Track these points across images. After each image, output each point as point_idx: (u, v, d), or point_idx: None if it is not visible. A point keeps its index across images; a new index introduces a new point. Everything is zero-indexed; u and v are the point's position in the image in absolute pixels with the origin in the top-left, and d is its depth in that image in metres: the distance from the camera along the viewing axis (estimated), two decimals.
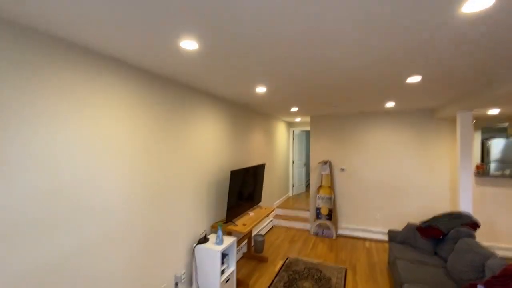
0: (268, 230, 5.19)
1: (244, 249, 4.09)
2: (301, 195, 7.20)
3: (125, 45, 1.65)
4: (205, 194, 3.05)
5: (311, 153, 5.29)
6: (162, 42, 1.60)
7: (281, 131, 6.26)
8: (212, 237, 2.87)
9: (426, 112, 4.44)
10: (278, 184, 6.10)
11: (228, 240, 2.81)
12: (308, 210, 5.49)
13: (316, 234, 4.95)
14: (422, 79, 2.39)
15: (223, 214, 3.49)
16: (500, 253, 3.97)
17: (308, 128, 6.93)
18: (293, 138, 7.08)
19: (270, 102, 3.75)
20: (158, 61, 1.96)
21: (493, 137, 6.05)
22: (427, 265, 2.90)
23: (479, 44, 1.60)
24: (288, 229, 5.30)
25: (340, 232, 4.97)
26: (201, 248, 2.67)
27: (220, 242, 2.70)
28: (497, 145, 5.78)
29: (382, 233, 4.68)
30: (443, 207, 4.32)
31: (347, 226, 4.95)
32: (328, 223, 4.85)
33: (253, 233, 4.52)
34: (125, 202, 2.00)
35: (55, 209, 1.53)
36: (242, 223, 3.18)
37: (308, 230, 5.18)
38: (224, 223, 3.10)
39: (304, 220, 5.34)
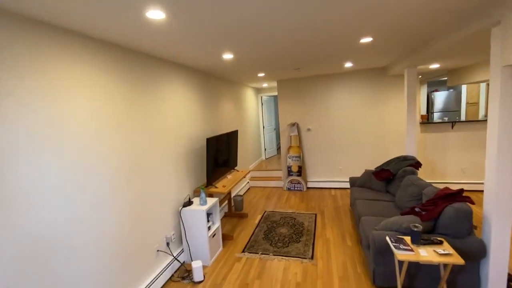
0: (246, 191, 5.58)
1: (226, 209, 4.44)
2: (273, 158, 7.64)
3: (91, 19, 1.62)
4: (184, 162, 3.20)
5: (279, 117, 5.57)
6: (129, 13, 1.60)
7: (250, 98, 6.39)
8: (196, 200, 3.11)
9: (379, 71, 4.85)
10: (252, 149, 6.41)
11: (211, 201, 3.08)
12: (281, 170, 5.94)
13: (289, 189, 5.45)
14: (373, 40, 2.65)
15: (204, 179, 3.71)
16: (440, 186, 4.80)
17: (275, 94, 7.13)
18: (262, 104, 7.27)
19: (238, 69, 3.82)
20: (125, 33, 1.94)
21: (437, 90, 6.84)
22: (380, 201, 3.48)
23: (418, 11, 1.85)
24: (264, 188, 5.74)
25: (310, 185, 5.53)
26: (187, 210, 2.90)
27: (204, 203, 2.95)
28: (439, 97, 6.59)
29: (345, 181, 5.32)
30: (394, 154, 4.99)
31: (315, 179, 5.51)
32: (298, 178, 5.35)
33: (232, 194, 4.87)
34: (114, 172, 2.10)
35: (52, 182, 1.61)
36: (222, 185, 3.44)
37: (281, 187, 5.68)
38: (205, 186, 3.34)
39: (278, 178, 5.80)
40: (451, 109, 6.45)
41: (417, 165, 3.67)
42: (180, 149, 3.13)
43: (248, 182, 5.80)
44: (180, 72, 3.21)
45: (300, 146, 5.38)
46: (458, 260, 1.83)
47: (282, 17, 1.87)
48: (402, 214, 2.58)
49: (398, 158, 3.85)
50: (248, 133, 6.13)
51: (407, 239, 2.14)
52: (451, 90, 6.46)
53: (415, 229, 2.03)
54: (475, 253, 2.10)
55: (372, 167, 5.15)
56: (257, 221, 4.02)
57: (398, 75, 4.78)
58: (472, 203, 2.23)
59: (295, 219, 4.02)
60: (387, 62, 4.14)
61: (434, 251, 1.96)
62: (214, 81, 4.25)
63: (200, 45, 2.43)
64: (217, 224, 3.18)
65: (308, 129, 5.41)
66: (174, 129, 3.03)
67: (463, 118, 6.27)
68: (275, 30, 2.13)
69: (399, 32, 2.44)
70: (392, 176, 3.71)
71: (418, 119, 4.70)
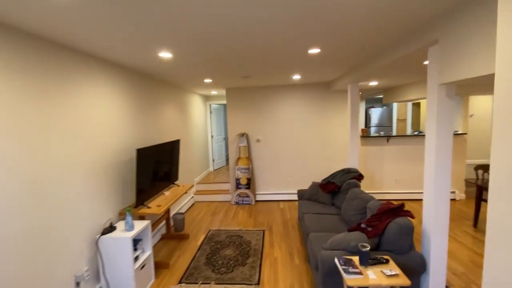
0: (190, 207, 5.07)
1: (164, 230, 3.88)
2: (222, 169, 7.27)
3: None
4: (106, 177, 2.63)
5: (228, 126, 5.29)
6: None
7: (197, 105, 5.97)
8: (120, 225, 2.56)
9: (324, 85, 5.01)
10: (198, 160, 5.94)
11: (140, 224, 2.56)
12: (229, 182, 5.61)
13: (237, 203, 5.15)
14: (321, 51, 2.60)
15: (133, 198, 3.15)
16: (377, 197, 5.09)
17: (225, 102, 6.86)
18: (211, 112, 6.90)
19: (181, 71, 3.43)
20: (34, 18, 1.42)
21: (374, 106, 7.49)
22: (327, 214, 3.42)
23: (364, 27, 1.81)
24: (210, 203, 5.32)
25: (259, 198, 5.32)
26: (107, 239, 2.34)
27: (130, 228, 2.43)
28: (375, 113, 7.18)
29: (294, 193, 5.26)
30: (340, 166, 5.15)
31: (264, 192, 5.33)
32: (247, 191, 5.10)
33: (172, 212, 4.33)
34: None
35: None
36: (156, 205, 2.94)
37: (229, 201, 5.33)
38: (134, 207, 2.80)
39: (225, 192, 5.45)
40: (385, 125, 7.10)
41: (360, 177, 3.77)
42: (101, 161, 2.56)
43: (192, 197, 5.30)
44: (108, 69, 2.68)
45: (249, 158, 5.16)
46: (404, 281, 1.76)
47: (221, 11, 1.60)
48: (349, 230, 2.51)
49: (342, 170, 3.91)
50: (194, 143, 5.67)
51: (356, 259, 2.03)
52: (385, 107, 7.14)
53: (364, 250, 1.93)
54: (417, 269, 2.09)
55: (320, 179, 5.22)
56: (199, 243, 3.58)
57: (341, 90, 5.00)
58: (413, 217, 2.26)
59: (242, 237, 3.71)
60: (333, 77, 4.26)
61: (382, 271, 1.86)
62: (153, 83, 3.75)
63: (130, 38, 2.01)
64: (148, 252, 2.67)
65: (258, 140, 5.24)
66: (95, 137, 2.47)
67: (394, 133, 6.94)
68: (217, 26, 1.86)
69: (346, 46, 2.42)
70: (338, 188, 3.73)
71: (359, 132, 4.95)
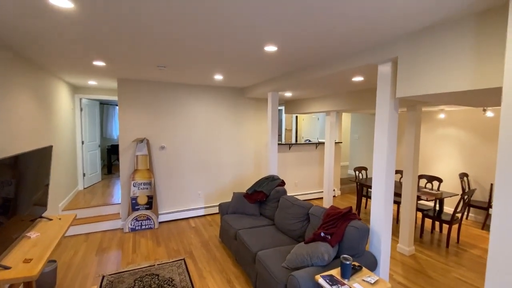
0: (54, 249, 3.38)
1: None
2: (97, 186, 5.49)
3: None
4: None
5: (120, 130, 4.02)
6: None
7: (63, 98, 4.19)
8: None
9: (238, 91, 4.85)
10: (64, 176, 4.15)
11: None
12: (116, 204, 4.26)
13: (133, 229, 3.96)
14: (277, 49, 2.39)
15: None
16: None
17: (103, 97, 5.26)
18: (81, 109, 5.09)
19: (63, 40, 2.21)
20: None
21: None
22: (261, 227, 3.19)
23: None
24: (88, 235, 3.80)
25: (162, 218, 4.35)
26: None
27: None
28: (286, 121, 7.74)
29: (204, 207, 4.68)
30: (250, 175, 5.08)
31: (169, 210, 4.42)
32: (147, 213, 4.04)
33: None
34: None
35: None
36: (21, 260, 1.67)
37: (121, 229, 4.03)
38: None
39: (112, 217, 4.08)
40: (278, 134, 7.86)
41: (283, 183, 3.82)
42: None
43: None
44: None
45: (150, 169, 4.12)
46: (385, 285, 1.80)
47: None
48: (307, 242, 2.38)
49: (267, 178, 3.83)
50: (60, 152, 3.91)
51: (335, 273, 1.90)
52: None
53: (346, 262, 1.83)
54: (370, 267, 2.23)
55: (231, 189, 4.92)
56: None
57: (255, 98, 5.00)
58: (360, 219, 2.43)
59: (158, 275, 2.81)
60: (254, 82, 4.14)
61: (364, 280, 1.83)
62: None
63: None
64: None
65: (162, 147, 4.29)
66: None
67: (283, 141, 7.79)
68: None
69: (298, 48, 2.32)
70: (266, 197, 3.59)
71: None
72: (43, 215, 2.54)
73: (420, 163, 5.32)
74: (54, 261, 2.61)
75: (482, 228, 4.20)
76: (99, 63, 3.02)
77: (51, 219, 2.38)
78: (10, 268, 1.57)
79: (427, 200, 3.60)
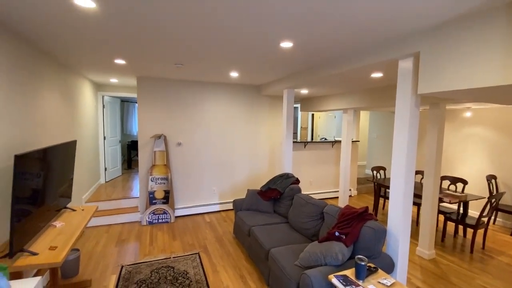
0: (77, 238, 3.57)
1: (48, 279, 2.47)
2: (117, 180, 5.72)
3: None
4: None
5: (139, 126, 4.16)
6: None
7: (86, 95, 4.39)
8: None
9: (254, 88, 4.85)
10: (87, 169, 4.36)
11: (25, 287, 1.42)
12: (135, 197, 4.42)
13: (151, 223, 4.09)
14: (294, 46, 2.36)
15: (4, 237, 1.79)
16: None
17: (124, 95, 5.45)
18: (104, 106, 5.31)
19: (87, 39, 2.30)
20: None
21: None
22: (275, 224, 3.19)
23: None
24: (110, 227, 3.97)
25: (178, 213, 4.46)
26: None
27: None
28: (302, 119, 7.69)
29: (218, 203, 4.75)
30: (264, 172, 5.08)
31: (185, 205, 4.53)
32: (164, 207, 4.15)
33: None
34: None
35: None
36: (47, 247, 1.77)
37: (139, 222, 4.18)
38: (10, 257, 1.55)
39: (130, 210, 4.24)
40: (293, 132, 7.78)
41: (297, 181, 3.78)
42: None
43: None
44: None
45: (167, 165, 4.23)
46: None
47: None
48: (321, 241, 2.35)
49: (281, 176, 3.81)
50: (84, 147, 4.11)
51: (349, 274, 1.86)
52: None
53: (361, 263, 1.79)
54: (388, 270, 2.17)
55: (246, 187, 4.95)
56: None
57: (271, 96, 4.98)
58: (376, 220, 2.36)
59: (173, 268, 2.89)
60: (270, 79, 4.12)
61: (379, 282, 1.78)
62: (28, 53, 2.35)
63: None
64: None
65: (179, 144, 4.39)
66: None
67: (299, 139, 7.70)
68: None
69: (316, 41, 2.28)
70: (280, 195, 3.58)
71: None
72: (68, 206, 2.68)
73: (443, 164, 5.07)
74: (78, 249, 2.75)
75: (511, 234, 3.94)
76: (119, 61, 3.13)
77: (75, 210, 2.51)
78: (37, 254, 1.67)
79: (450, 203, 3.43)
